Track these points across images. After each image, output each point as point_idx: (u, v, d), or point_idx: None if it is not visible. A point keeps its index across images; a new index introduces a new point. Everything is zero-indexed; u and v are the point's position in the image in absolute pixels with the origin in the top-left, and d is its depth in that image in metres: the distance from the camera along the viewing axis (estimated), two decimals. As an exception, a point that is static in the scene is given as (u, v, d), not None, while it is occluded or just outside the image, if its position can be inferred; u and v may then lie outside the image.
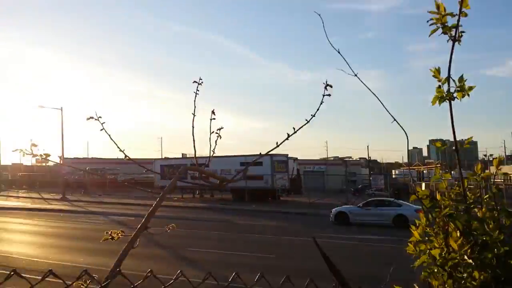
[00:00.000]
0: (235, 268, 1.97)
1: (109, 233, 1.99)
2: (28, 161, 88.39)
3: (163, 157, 72.03)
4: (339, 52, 1.73)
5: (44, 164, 76.69)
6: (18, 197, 47.30)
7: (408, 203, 22.49)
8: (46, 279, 1.86)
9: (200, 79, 2.65)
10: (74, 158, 73.72)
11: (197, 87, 2.60)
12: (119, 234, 1.95)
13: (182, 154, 75.91)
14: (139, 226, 1.78)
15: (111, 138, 2.73)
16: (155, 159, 53.35)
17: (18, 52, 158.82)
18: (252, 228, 22.83)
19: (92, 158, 73.08)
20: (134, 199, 39.84)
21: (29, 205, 37.05)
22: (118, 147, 2.72)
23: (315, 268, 4.00)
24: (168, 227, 2.11)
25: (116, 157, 68.08)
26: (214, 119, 2.21)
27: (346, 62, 1.72)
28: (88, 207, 35.01)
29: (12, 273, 1.76)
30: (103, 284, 1.49)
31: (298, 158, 51.72)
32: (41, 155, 2.08)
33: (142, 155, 43.04)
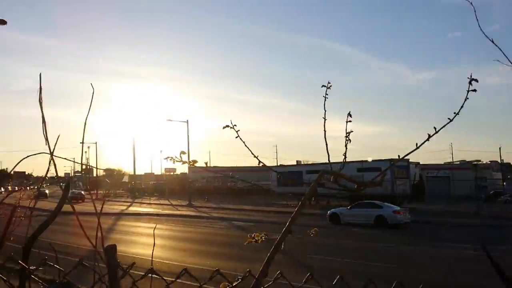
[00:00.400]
0: (360, 277, 1.90)
1: (252, 236, 2.06)
2: (158, 170, 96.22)
3: (278, 164, 73.28)
4: (493, 42, 1.60)
5: (172, 173, 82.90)
6: (150, 203, 51.77)
7: (389, 205, 26.30)
8: (179, 280, 2.00)
9: (329, 82, 2.64)
10: (198, 167, 78.19)
11: (326, 91, 2.59)
12: (263, 238, 2.02)
13: (297, 161, 76.61)
14: (283, 230, 1.82)
15: (245, 145, 2.84)
16: (272, 166, 54.45)
17: (151, 73, 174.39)
18: (371, 237, 22.11)
19: (214, 167, 77.12)
20: (253, 206, 41.19)
21: (159, 211, 40.33)
22: (252, 153, 2.81)
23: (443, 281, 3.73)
24: (311, 231, 2.13)
25: (235, 165, 71.07)
26: (350, 121, 2.19)
27: (503, 53, 1.58)
28: (211, 213, 36.97)
29: (148, 273, 1.93)
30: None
31: (420, 163, 48.93)
32: (189, 162, 2.24)
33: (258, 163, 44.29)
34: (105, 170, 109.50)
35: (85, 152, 75.00)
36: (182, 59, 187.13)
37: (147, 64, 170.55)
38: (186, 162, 2.39)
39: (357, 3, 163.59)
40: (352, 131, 2.51)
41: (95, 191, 70.39)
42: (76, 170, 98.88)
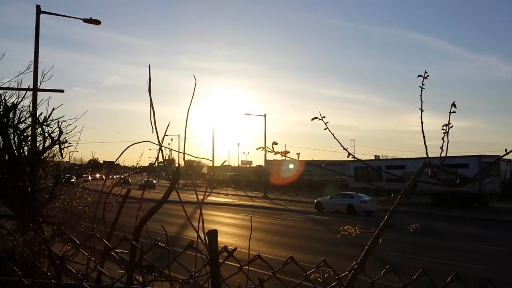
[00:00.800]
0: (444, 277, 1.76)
1: (345, 228, 2.03)
2: (235, 162, 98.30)
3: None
4: None
5: (248, 165, 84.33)
6: (227, 194, 53.11)
7: (360, 196, 31.33)
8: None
9: (426, 72, 2.53)
10: (274, 160, 78.96)
11: (422, 81, 2.48)
12: (357, 231, 1.97)
13: (375, 156, 74.47)
14: (382, 223, 1.77)
15: (334, 137, 2.81)
16: (348, 161, 53.42)
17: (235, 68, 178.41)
18: (454, 235, 20.98)
19: (289, 160, 77.11)
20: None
21: (236, 201, 41.22)
22: (341, 145, 2.79)
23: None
24: (412, 226, 2.05)
25: (311, 159, 70.63)
26: (454, 112, 2.06)
27: None
28: (287, 205, 37.13)
29: (254, 259, 1.94)
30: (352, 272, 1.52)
31: None
32: (281, 153, 2.24)
33: (336, 157, 43.60)
34: (185, 161, 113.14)
35: (168, 144, 78.51)
36: (261, 54, 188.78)
37: (228, 60, 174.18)
38: (278, 152, 2.40)
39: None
40: (452, 125, 2.35)
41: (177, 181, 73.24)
42: (159, 161, 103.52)
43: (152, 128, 1.66)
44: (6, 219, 6.97)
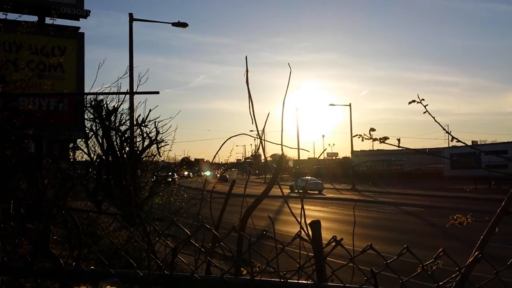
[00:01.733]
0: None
1: (455, 217, 1.89)
2: (322, 155, 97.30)
3: (450, 146, 67.70)
4: None
5: (334, 157, 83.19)
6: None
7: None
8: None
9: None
10: (361, 150, 77.18)
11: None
12: (469, 220, 1.84)
13: (472, 141, 69.65)
14: (498, 210, 1.62)
15: (435, 120, 2.66)
16: (443, 148, 50.51)
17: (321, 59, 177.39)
18: None
19: (378, 150, 74.82)
20: (422, 190, 38.84)
21: (324, 194, 40.83)
22: (444, 128, 2.64)
23: None
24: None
25: (402, 148, 67.83)
26: None
27: None
28: (377, 197, 36.04)
29: (368, 247, 1.88)
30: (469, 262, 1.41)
31: None
32: (379, 139, 2.16)
33: (429, 145, 41.32)
34: (271, 156, 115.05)
35: (254, 139, 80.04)
36: (342, 43, 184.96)
37: (308, 51, 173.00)
38: (377, 139, 2.31)
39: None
40: None
41: (264, 175, 74.71)
42: (246, 156, 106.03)
43: (252, 119, 1.68)
44: (112, 216, 7.53)
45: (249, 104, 1.66)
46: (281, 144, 1.89)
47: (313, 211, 26.50)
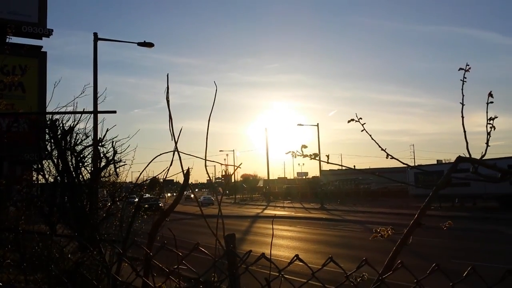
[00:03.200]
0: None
1: (378, 230, 1.94)
2: (291, 174, 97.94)
3: (416, 164, 69.26)
4: None
5: (304, 177, 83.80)
6: (283, 206, 52.87)
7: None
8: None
9: (467, 65, 2.42)
10: (329, 170, 78.06)
11: (464, 74, 2.37)
12: (389, 232, 1.89)
13: (437, 160, 71.62)
14: (411, 222, 1.68)
15: (372, 138, 2.73)
16: (408, 167, 51.60)
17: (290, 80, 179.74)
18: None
19: (346, 169, 75.86)
20: (388, 208, 39.46)
21: (292, 213, 40.91)
22: (380, 147, 2.69)
23: None
24: (444, 224, 1.94)
25: (368, 167, 69.06)
26: (491, 102, 1.94)
27: None
28: (345, 216, 36.35)
29: (260, 258, 1.89)
30: (382, 276, 1.44)
31: None
32: (310, 155, 2.20)
33: (395, 164, 42.33)
34: (241, 176, 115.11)
35: (224, 159, 79.71)
36: (310, 64, 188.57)
37: (276, 72, 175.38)
38: (307, 156, 2.35)
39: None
40: (496, 117, 2.22)
41: (234, 195, 74.34)
42: (216, 176, 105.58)
43: (172, 136, 1.69)
44: (66, 239, 7.33)
45: (169, 121, 1.68)
46: (205, 159, 1.90)
47: (281, 231, 26.47)
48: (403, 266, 1.49)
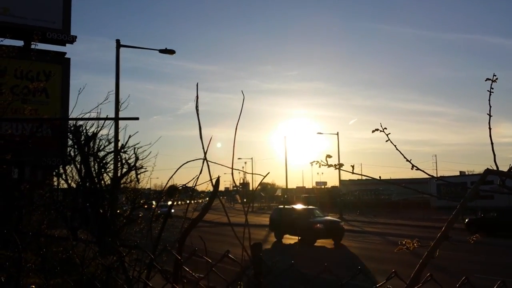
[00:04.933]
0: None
1: (404, 243, 1.91)
2: (309, 184, 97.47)
3: (438, 176, 68.10)
4: None
5: (323, 186, 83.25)
6: (302, 216, 52.48)
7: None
8: None
9: (494, 75, 2.36)
10: (349, 180, 77.40)
11: (491, 84, 2.32)
12: (415, 244, 1.85)
13: (460, 172, 70.21)
14: (439, 235, 1.64)
15: (397, 148, 2.69)
16: (430, 178, 50.86)
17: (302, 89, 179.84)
18: None
19: (366, 179, 75.14)
20: (409, 220, 38.84)
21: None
22: (405, 157, 2.66)
23: None
24: (472, 238, 1.89)
25: (389, 178, 68.22)
26: None
27: None
28: (364, 227, 35.91)
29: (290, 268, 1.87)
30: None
31: None
32: (334, 165, 2.18)
33: (416, 175, 41.66)
34: (260, 184, 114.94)
35: (242, 167, 79.89)
36: (331, 72, 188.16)
37: (296, 81, 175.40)
38: (332, 165, 2.33)
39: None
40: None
41: (252, 204, 74.32)
42: (234, 185, 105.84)
43: (202, 143, 1.70)
44: (88, 244, 7.39)
45: (199, 129, 1.69)
46: (232, 167, 1.90)
47: (297, 240, 26.30)
48: (432, 278, 1.46)
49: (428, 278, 1.50)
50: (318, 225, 24.76)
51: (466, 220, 29.73)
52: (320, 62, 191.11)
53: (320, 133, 51.16)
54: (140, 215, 7.94)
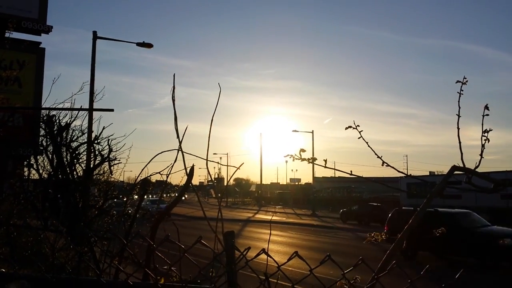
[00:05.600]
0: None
1: (372, 235, 1.99)
2: (284, 180, 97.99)
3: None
4: None
5: (297, 183, 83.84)
6: (275, 212, 52.92)
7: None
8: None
9: (464, 77, 2.47)
10: (322, 177, 78.22)
11: (461, 87, 2.42)
12: (383, 236, 1.93)
13: (429, 172, 71.91)
14: (406, 227, 1.72)
15: (368, 145, 2.78)
16: (400, 177, 51.90)
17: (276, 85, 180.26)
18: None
19: (339, 177, 76.03)
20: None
21: (284, 219, 40.95)
22: (376, 154, 2.74)
23: None
24: (437, 231, 1.98)
25: (361, 175, 69.17)
26: (487, 115, 2.00)
27: None
28: (336, 223, 36.46)
29: (260, 253, 1.93)
30: (376, 276, 1.48)
31: None
32: (308, 159, 2.24)
33: (387, 174, 42.68)
34: (234, 179, 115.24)
35: (218, 162, 79.59)
36: (308, 71, 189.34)
37: (274, 79, 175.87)
38: (305, 159, 2.39)
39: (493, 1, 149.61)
40: (491, 129, 2.26)
41: (226, 199, 74.34)
42: (208, 179, 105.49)
43: (177, 135, 1.72)
44: (59, 233, 7.29)
45: (174, 121, 1.71)
46: (206, 159, 1.93)
47: (272, 235, 26.47)
48: (397, 266, 1.54)
49: (393, 265, 1.58)
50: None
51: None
52: (298, 61, 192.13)
53: (296, 131, 51.48)
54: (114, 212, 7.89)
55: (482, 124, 1.99)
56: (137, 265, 1.81)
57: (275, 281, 1.93)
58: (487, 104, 2.16)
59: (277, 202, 71.40)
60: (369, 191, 62.48)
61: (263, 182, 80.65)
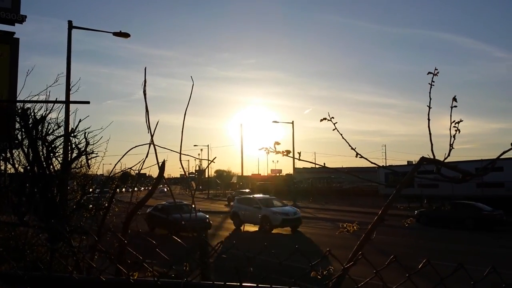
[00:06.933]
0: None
1: (344, 226, 2.03)
2: (265, 171, 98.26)
3: (387, 164, 70.52)
4: None
5: (278, 174, 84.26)
6: (256, 203, 53.05)
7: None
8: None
9: (436, 69, 2.52)
10: (303, 168, 78.67)
11: (432, 78, 2.47)
12: (354, 227, 1.97)
13: (408, 161, 73.03)
14: (375, 218, 1.77)
15: (342, 137, 2.82)
16: (378, 167, 52.55)
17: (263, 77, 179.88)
18: (493, 242, 20.34)
19: (319, 168, 76.67)
20: (359, 207, 40.16)
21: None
22: (350, 145, 2.78)
23: None
24: (406, 221, 2.04)
25: (341, 166, 69.95)
26: (455, 106, 2.05)
27: None
28: (316, 213, 36.81)
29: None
30: (345, 266, 1.52)
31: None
32: (282, 152, 2.26)
33: (367, 164, 43.07)
34: (215, 171, 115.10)
35: (198, 154, 79.29)
36: (288, 62, 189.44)
37: (254, 69, 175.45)
38: (280, 152, 2.42)
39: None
40: (461, 120, 2.31)
41: (207, 191, 74.19)
42: (190, 171, 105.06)
43: (148, 129, 1.72)
44: (36, 229, 7.21)
45: (146, 114, 1.71)
46: (180, 152, 1.94)
47: (252, 226, 26.63)
48: (363, 257, 1.58)
49: (359, 257, 1.62)
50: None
51: (416, 212, 29.21)
52: (278, 51, 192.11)
53: (276, 122, 51.64)
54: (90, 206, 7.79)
55: (451, 116, 2.04)
56: (109, 260, 1.81)
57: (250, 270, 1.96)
58: (455, 96, 2.21)
59: (258, 194, 71.56)
60: (349, 181, 63.27)
61: (244, 174, 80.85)
